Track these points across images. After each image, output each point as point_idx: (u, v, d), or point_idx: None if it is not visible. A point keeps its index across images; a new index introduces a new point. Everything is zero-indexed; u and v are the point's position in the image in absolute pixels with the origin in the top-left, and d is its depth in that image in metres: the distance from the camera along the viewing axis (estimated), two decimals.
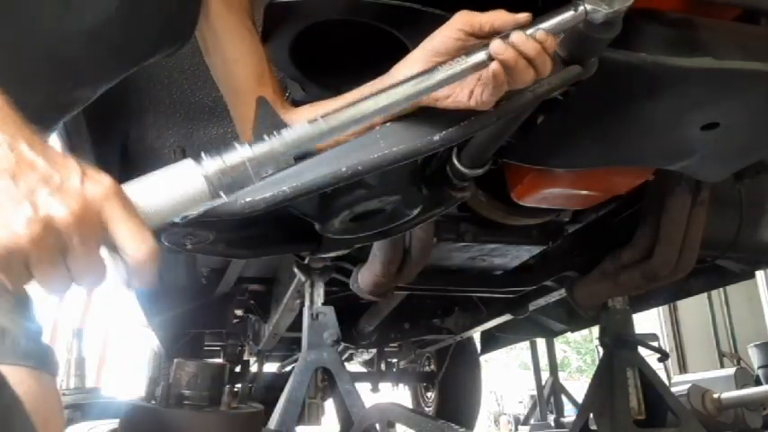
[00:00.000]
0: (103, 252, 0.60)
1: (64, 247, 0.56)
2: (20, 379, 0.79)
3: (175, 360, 1.81)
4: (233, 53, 1.05)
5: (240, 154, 0.68)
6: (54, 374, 0.89)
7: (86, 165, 0.60)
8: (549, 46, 0.81)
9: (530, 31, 0.80)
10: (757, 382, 4.60)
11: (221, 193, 0.67)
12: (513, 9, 0.82)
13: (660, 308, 8.04)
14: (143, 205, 0.62)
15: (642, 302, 2.99)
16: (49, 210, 0.55)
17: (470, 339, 4.72)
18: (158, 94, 1.66)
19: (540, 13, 0.83)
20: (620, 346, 2.49)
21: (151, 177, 0.65)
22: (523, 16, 0.81)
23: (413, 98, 0.79)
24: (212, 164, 0.66)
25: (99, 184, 0.58)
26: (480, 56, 0.80)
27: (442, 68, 0.79)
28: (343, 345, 2.39)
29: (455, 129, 0.91)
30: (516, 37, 0.79)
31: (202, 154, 0.67)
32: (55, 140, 1.39)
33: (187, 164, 0.66)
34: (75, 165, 0.59)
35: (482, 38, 0.82)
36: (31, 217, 0.54)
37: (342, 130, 0.75)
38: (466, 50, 0.81)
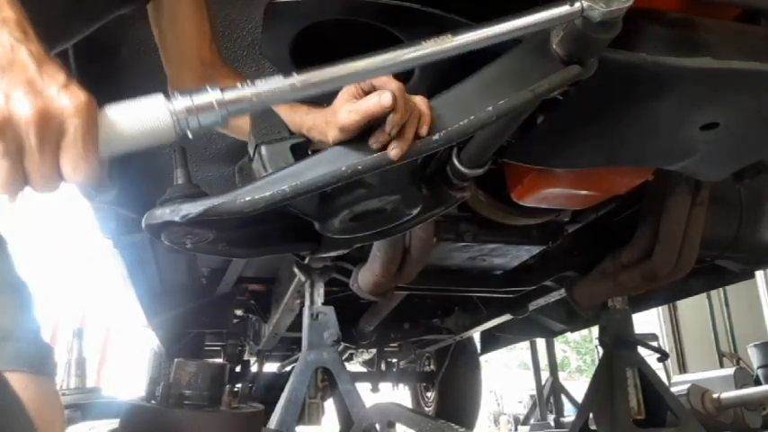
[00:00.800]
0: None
1: (20, 144, 0.59)
2: (24, 384, 0.80)
3: (176, 360, 1.81)
4: (185, 16, 1.11)
5: (210, 95, 0.68)
6: (53, 376, 0.90)
7: (73, 81, 0.63)
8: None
9: (524, 22, 0.80)
10: (756, 382, 4.59)
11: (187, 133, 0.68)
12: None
13: (660, 308, 8.04)
14: (108, 130, 0.64)
15: (642, 302, 2.99)
16: (16, 104, 0.58)
17: (470, 339, 4.72)
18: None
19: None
20: (619, 346, 2.49)
21: (123, 105, 0.66)
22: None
23: (391, 68, 0.78)
24: (181, 101, 0.67)
25: (73, 98, 0.61)
26: (466, 37, 0.80)
27: (426, 43, 0.78)
28: (343, 345, 2.39)
29: (455, 128, 0.91)
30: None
31: (175, 92, 0.68)
32: None
33: (157, 98, 0.67)
34: (61, 77, 0.62)
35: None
36: None
37: (316, 88, 0.75)
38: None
